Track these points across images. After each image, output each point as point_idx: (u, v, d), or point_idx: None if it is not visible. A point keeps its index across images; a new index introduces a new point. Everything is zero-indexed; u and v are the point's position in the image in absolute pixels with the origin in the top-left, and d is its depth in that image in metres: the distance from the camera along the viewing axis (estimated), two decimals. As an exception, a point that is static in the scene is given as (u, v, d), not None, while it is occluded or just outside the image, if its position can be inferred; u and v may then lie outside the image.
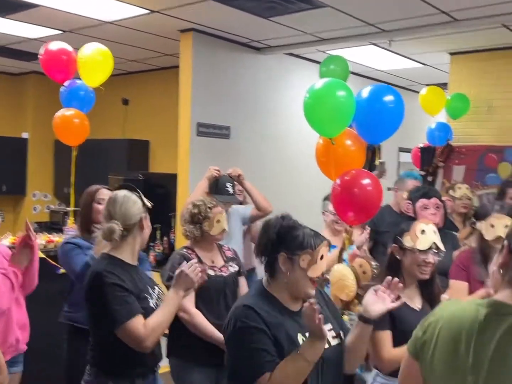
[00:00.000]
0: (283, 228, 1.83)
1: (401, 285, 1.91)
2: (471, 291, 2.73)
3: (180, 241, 4.57)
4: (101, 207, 2.80)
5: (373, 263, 2.69)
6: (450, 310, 1.39)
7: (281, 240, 1.81)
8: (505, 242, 1.37)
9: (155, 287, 2.33)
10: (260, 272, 4.32)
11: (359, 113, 2.64)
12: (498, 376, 1.24)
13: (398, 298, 1.88)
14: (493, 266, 1.37)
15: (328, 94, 2.59)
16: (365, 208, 2.60)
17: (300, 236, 1.80)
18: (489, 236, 2.68)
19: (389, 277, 1.91)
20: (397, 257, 2.28)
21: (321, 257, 1.80)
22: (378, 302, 1.86)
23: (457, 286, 2.75)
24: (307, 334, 1.75)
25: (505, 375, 1.23)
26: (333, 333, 1.85)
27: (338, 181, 2.66)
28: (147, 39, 5.53)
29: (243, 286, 3.00)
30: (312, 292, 1.82)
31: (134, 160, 7.00)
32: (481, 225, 2.74)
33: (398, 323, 2.17)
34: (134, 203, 2.22)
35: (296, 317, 1.81)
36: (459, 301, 1.47)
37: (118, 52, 5.12)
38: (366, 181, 2.60)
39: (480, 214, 2.86)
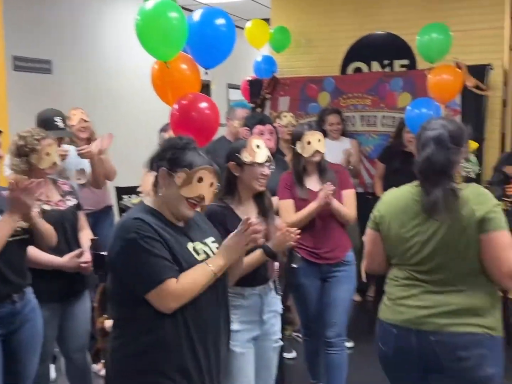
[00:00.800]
0: (171, 145, 1.85)
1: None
2: (296, 208, 2.99)
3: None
4: None
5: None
6: (393, 194, 2.12)
7: (165, 155, 1.83)
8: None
9: None
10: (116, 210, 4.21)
11: (192, 36, 2.64)
12: (432, 220, 1.96)
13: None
14: None
15: (159, 15, 2.54)
16: (204, 130, 2.66)
17: (183, 155, 1.82)
18: (307, 152, 2.94)
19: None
20: (235, 174, 2.38)
21: (200, 180, 1.81)
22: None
23: (284, 204, 3.00)
24: (196, 244, 1.82)
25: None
26: (216, 245, 1.91)
27: (176, 106, 2.66)
28: None
29: (83, 220, 2.91)
30: (189, 213, 1.84)
31: None
32: (298, 145, 2.99)
33: None
34: None
35: (183, 230, 1.84)
36: (395, 189, 2.12)
37: None
38: (203, 104, 2.64)
39: (296, 137, 3.09)
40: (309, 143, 2.94)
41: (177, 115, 2.65)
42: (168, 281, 1.70)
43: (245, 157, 2.33)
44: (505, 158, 4.57)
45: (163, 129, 3.86)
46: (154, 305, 1.71)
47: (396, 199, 2.09)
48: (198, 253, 1.82)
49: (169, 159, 1.82)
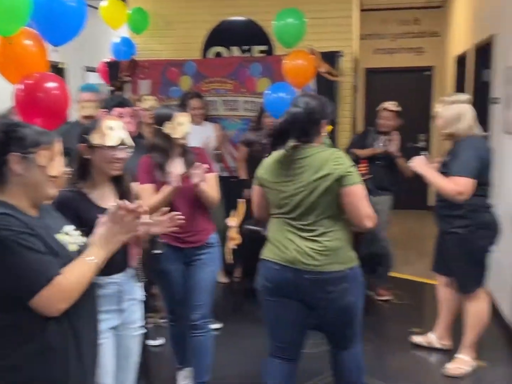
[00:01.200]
0: (9, 126, 1.63)
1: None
2: (158, 190, 2.93)
3: None
4: None
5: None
6: (271, 157, 2.55)
7: (9, 139, 1.60)
8: None
9: None
10: None
11: (37, 10, 2.44)
12: (299, 176, 2.42)
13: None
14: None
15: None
16: (53, 112, 2.48)
17: (32, 133, 1.63)
18: (179, 133, 2.90)
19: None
20: (86, 156, 2.25)
21: (58, 155, 1.67)
22: None
23: (143, 188, 2.91)
24: (60, 235, 1.66)
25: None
26: (78, 233, 1.78)
27: (20, 86, 2.45)
28: None
29: None
30: (54, 192, 1.69)
31: None
32: (168, 126, 2.93)
33: (84, 222, 2.03)
34: None
35: (39, 221, 1.66)
36: (276, 152, 2.53)
37: None
38: (51, 84, 2.46)
39: (165, 117, 3.02)
40: (180, 124, 2.89)
41: (22, 95, 2.45)
42: (56, 279, 1.53)
43: (95, 139, 2.20)
44: (356, 140, 4.90)
45: (9, 112, 3.58)
46: (39, 309, 1.52)
47: (272, 160, 2.55)
48: (68, 243, 1.68)
49: (13, 140, 1.61)
